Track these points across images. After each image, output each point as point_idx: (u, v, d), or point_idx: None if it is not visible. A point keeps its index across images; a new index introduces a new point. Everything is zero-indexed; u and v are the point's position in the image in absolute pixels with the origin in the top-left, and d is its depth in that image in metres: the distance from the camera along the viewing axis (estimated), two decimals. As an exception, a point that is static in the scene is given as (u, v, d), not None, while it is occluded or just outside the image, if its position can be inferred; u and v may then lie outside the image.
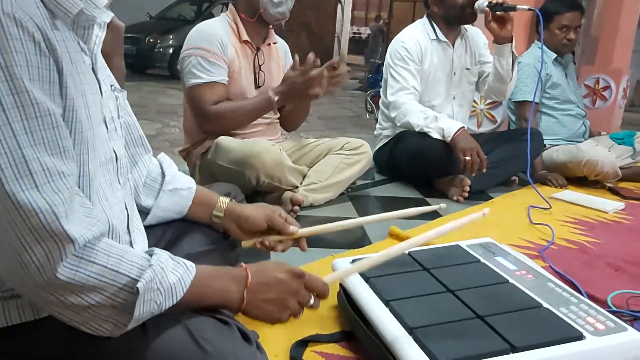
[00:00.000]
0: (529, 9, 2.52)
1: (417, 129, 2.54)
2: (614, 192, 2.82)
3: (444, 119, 2.51)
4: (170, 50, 8.94)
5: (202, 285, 0.86)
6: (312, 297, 0.99)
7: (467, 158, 2.37)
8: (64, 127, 0.75)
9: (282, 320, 0.96)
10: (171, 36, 9.07)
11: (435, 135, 2.48)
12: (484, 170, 2.40)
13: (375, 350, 1.11)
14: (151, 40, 8.93)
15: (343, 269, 1.19)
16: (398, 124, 2.67)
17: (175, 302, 0.82)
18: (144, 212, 1.12)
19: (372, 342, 1.12)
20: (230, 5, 2.26)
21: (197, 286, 0.85)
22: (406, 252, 1.21)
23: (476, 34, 2.85)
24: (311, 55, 2.04)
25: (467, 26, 2.82)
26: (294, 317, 0.98)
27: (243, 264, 0.95)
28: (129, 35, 8.78)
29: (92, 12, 0.84)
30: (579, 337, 1.05)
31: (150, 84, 7.67)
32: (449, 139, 2.44)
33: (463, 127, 2.47)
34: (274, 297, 0.94)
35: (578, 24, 3.01)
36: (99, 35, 0.89)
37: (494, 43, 2.61)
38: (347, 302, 1.27)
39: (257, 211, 1.23)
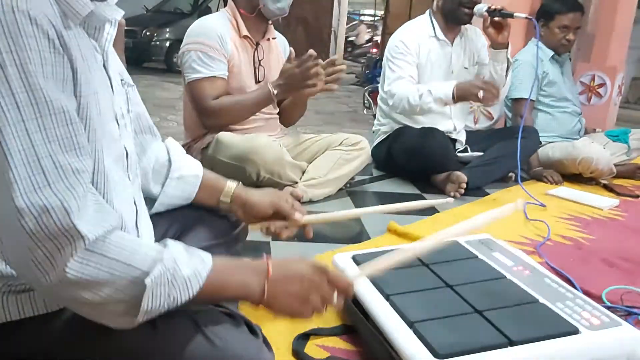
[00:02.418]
0: (526, 17, 2.55)
1: (417, 110, 2.59)
2: (609, 189, 2.85)
3: (436, 89, 2.54)
4: (167, 44, 8.91)
5: (220, 278, 0.84)
6: (335, 294, 0.94)
7: (481, 94, 2.43)
8: (78, 124, 0.76)
9: (305, 315, 0.92)
10: (168, 29, 9.03)
11: (439, 105, 2.53)
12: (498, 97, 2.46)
13: (376, 343, 1.13)
14: (148, 33, 8.88)
15: (368, 266, 1.11)
16: (397, 112, 2.69)
17: (192, 295, 0.80)
18: (151, 199, 1.13)
19: (373, 336, 1.15)
20: (230, 1, 2.27)
21: (216, 278, 0.83)
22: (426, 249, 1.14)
23: (476, 34, 2.87)
24: (311, 51, 2.06)
25: (468, 26, 2.84)
26: (317, 313, 0.93)
27: (265, 255, 0.93)
28: (125, 28, 8.73)
29: (103, 11, 0.85)
30: (575, 331, 1.08)
31: (147, 77, 7.66)
32: (453, 100, 2.50)
33: (454, 83, 2.52)
34: (296, 291, 0.90)
35: (578, 24, 3.04)
36: (110, 32, 0.90)
37: (490, 48, 2.64)
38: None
39: (264, 197, 1.22)
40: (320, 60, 2.07)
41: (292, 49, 2.15)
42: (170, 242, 0.83)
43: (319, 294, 0.92)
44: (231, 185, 1.22)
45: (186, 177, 1.18)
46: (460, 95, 2.50)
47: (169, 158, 1.17)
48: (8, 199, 0.70)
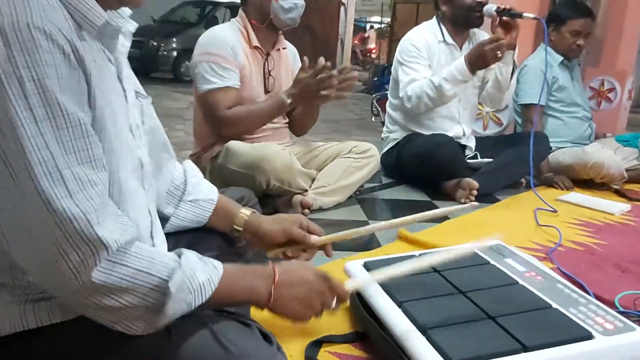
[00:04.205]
0: (535, 18, 2.55)
1: (441, 101, 2.60)
2: (620, 194, 2.83)
3: (449, 73, 2.54)
4: (174, 54, 8.99)
5: (230, 284, 0.89)
6: (334, 301, 1.02)
7: (499, 54, 2.43)
8: (94, 136, 0.78)
9: (305, 319, 0.99)
10: (175, 39, 9.12)
11: (460, 85, 2.55)
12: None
13: (389, 350, 1.13)
14: (155, 43, 8.97)
15: (362, 278, 1.20)
16: (421, 111, 2.68)
17: (205, 300, 0.84)
18: (163, 219, 1.14)
19: (385, 343, 1.15)
20: (241, 11, 2.29)
21: (226, 284, 0.87)
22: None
23: (483, 38, 2.87)
24: (322, 59, 2.08)
25: (476, 30, 2.85)
26: (315, 317, 1.01)
27: (271, 263, 0.97)
28: (132, 38, 8.79)
29: (117, 22, 0.87)
30: (589, 336, 1.08)
31: (154, 87, 7.70)
32: (471, 73, 2.51)
33: (462, 58, 2.53)
34: (300, 296, 0.97)
35: (589, 30, 3.04)
36: (124, 44, 0.92)
37: None
38: (360, 304, 1.29)
39: (275, 226, 1.23)
40: (334, 72, 2.09)
41: (305, 58, 2.16)
42: (185, 251, 0.86)
43: (321, 300, 1.00)
44: (244, 213, 1.23)
45: (200, 201, 1.19)
46: (475, 64, 2.49)
47: (184, 180, 1.19)
48: (31, 210, 0.72)
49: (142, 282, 0.78)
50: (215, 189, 1.24)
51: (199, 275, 0.84)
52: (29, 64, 0.71)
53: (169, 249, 1.06)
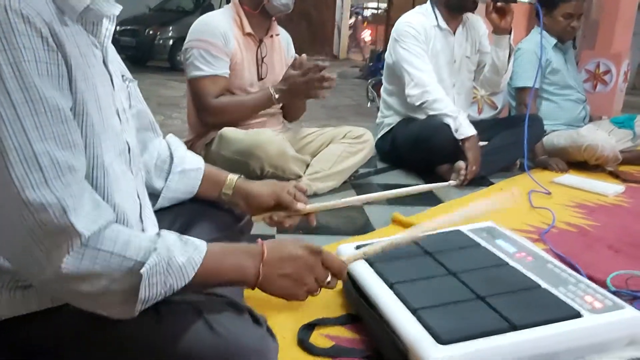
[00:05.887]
0: (530, 3, 2.54)
1: (437, 112, 2.59)
2: (614, 175, 2.84)
3: (463, 118, 2.57)
4: (170, 42, 8.94)
5: (215, 263, 0.86)
6: (329, 276, 0.97)
7: (474, 168, 2.50)
8: (73, 122, 0.77)
9: (299, 297, 0.94)
10: (171, 28, 9.07)
11: (452, 123, 2.55)
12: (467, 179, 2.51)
13: (380, 331, 1.15)
14: (151, 32, 8.93)
15: (361, 249, 1.11)
16: (417, 103, 2.64)
17: (187, 281, 0.82)
18: (155, 194, 1.15)
19: (377, 324, 1.16)
20: (234, -3, 2.28)
21: (210, 264, 0.84)
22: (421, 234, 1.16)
23: (477, 22, 2.87)
24: (304, 57, 2.12)
25: (469, 14, 2.84)
26: (311, 295, 0.96)
27: (260, 240, 0.94)
28: (128, 27, 8.80)
29: (99, 6, 0.85)
30: (577, 315, 1.09)
31: (150, 76, 7.67)
32: (461, 137, 2.53)
33: (475, 134, 2.55)
34: (290, 272, 0.92)
35: (582, 11, 3.03)
36: (108, 28, 0.91)
37: (493, 33, 2.63)
38: (353, 286, 1.30)
39: (265, 189, 1.23)
40: (324, 73, 2.10)
41: (297, 55, 2.17)
42: (164, 232, 0.85)
43: (312, 275, 0.94)
44: (232, 177, 1.24)
45: (188, 171, 1.20)
46: (468, 148, 2.53)
47: (170, 153, 1.19)
48: (6, 196, 0.71)
49: (117, 266, 0.76)
50: (200, 158, 1.25)
51: (178, 256, 0.81)
52: (5, 47, 0.70)
53: None
